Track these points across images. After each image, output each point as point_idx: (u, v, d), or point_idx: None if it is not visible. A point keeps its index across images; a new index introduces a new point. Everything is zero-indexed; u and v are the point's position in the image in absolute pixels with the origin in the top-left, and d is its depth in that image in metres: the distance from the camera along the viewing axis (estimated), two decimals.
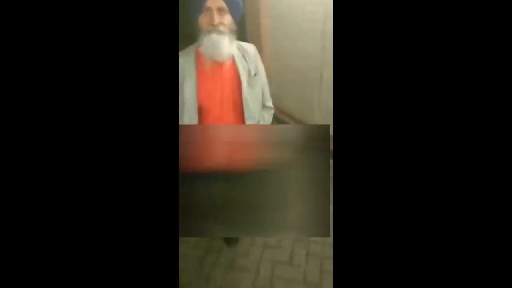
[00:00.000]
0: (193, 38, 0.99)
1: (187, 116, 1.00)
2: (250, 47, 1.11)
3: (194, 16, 0.94)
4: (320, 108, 2.34)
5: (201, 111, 1.03)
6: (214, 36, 0.91)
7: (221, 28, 0.92)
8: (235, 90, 1.04)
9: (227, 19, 0.93)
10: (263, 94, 1.14)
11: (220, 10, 0.91)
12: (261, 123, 1.18)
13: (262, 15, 2.61)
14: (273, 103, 1.22)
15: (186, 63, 1.00)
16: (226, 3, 0.91)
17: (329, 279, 1.26)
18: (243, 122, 1.09)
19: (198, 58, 1.01)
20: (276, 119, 2.44)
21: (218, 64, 1.00)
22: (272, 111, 1.22)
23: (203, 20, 0.93)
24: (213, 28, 0.91)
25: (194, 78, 1.00)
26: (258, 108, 1.12)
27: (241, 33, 1.08)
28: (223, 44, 0.93)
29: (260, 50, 1.18)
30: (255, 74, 1.09)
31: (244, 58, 1.07)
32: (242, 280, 1.31)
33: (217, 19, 0.90)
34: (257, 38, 2.50)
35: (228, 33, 0.95)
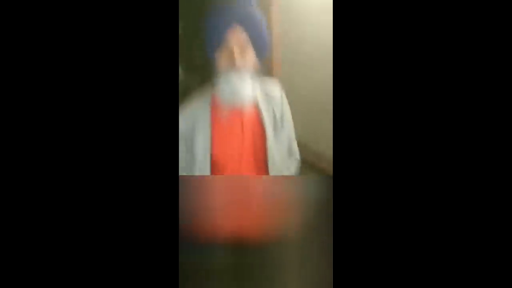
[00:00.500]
0: (207, 74, 0.88)
1: (198, 172, 0.83)
2: (275, 88, 0.93)
3: (210, 53, 0.78)
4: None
5: (215, 166, 0.85)
6: (234, 78, 0.75)
7: (243, 68, 0.76)
8: (257, 140, 0.86)
9: (250, 56, 0.77)
10: (289, 144, 0.96)
11: (242, 46, 0.75)
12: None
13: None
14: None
15: (198, 109, 0.84)
16: (249, 37, 0.75)
17: None
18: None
19: (214, 104, 0.84)
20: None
21: (237, 111, 0.83)
22: (299, 164, 1.03)
23: (221, 59, 0.76)
24: (233, 69, 0.74)
25: (208, 128, 0.83)
26: (284, 160, 0.94)
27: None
28: (245, 88, 0.76)
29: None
30: (282, 121, 0.91)
31: (269, 102, 0.89)
32: None
33: (238, 58, 0.74)
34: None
35: (251, 74, 0.78)
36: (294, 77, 2.50)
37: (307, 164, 1.27)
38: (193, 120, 0.84)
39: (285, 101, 0.93)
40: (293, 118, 0.95)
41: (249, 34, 0.75)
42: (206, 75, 0.87)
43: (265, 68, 0.91)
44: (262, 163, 0.88)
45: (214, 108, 0.84)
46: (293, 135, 0.98)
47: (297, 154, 1.01)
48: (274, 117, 0.88)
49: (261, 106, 0.87)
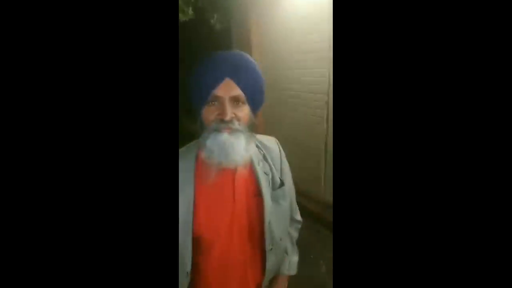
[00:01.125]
0: (192, 131, 0.71)
1: (181, 247, 0.66)
2: (272, 143, 0.79)
3: (196, 105, 0.65)
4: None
5: (199, 244, 0.69)
6: (225, 136, 0.61)
7: (236, 124, 0.63)
8: (252, 210, 0.71)
9: (244, 111, 0.64)
10: (290, 205, 0.81)
11: (234, 100, 0.63)
12: (287, 246, 0.86)
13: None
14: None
15: (181, 171, 0.68)
16: (243, 90, 0.63)
17: None
18: (262, 256, 0.74)
19: (199, 166, 0.69)
20: None
21: (227, 174, 0.69)
22: (299, 226, 0.91)
23: (208, 113, 0.63)
24: (224, 125, 0.62)
25: (191, 195, 0.67)
26: (284, 233, 0.79)
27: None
28: (238, 147, 0.62)
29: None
30: (282, 182, 0.75)
31: (266, 160, 0.75)
32: None
33: (230, 113, 0.61)
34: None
35: (245, 130, 0.65)
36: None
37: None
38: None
39: (284, 158, 0.80)
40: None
41: (242, 87, 0.63)
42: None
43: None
44: (258, 234, 0.72)
45: (198, 172, 0.69)
46: (293, 194, 0.85)
47: (298, 214, 0.89)
48: (273, 177, 0.74)
49: (256, 165, 0.72)
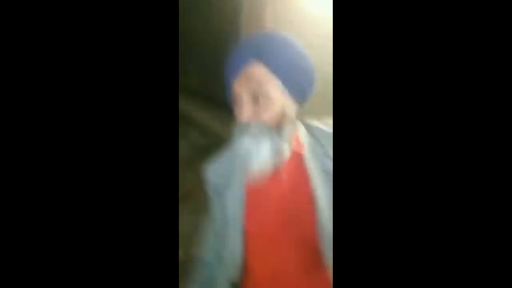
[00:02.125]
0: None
1: (231, 241, 0.62)
2: (324, 132, 0.62)
3: (228, 86, 0.57)
4: None
5: (248, 236, 0.63)
6: (245, 142, 0.53)
7: (254, 128, 0.53)
8: (305, 218, 0.59)
9: (273, 107, 0.53)
10: None
11: (256, 95, 0.52)
12: None
13: None
14: None
15: (225, 165, 0.64)
16: (275, 75, 0.52)
17: None
18: (319, 266, 0.59)
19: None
20: None
21: (261, 178, 0.59)
22: None
23: (235, 108, 0.56)
24: (245, 126, 0.53)
25: (241, 195, 0.61)
26: None
27: None
28: (258, 154, 0.53)
29: None
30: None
31: (324, 153, 0.59)
32: None
33: (247, 114, 0.53)
34: None
35: (271, 133, 0.54)
36: None
37: None
38: (227, 176, 0.63)
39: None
40: None
41: (274, 70, 0.51)
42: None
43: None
44: (313, 247, 0.58)
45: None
46: None
47: None
48: (326, 169, 0.58)
49: (306, 157, 0.59)
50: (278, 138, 0.54)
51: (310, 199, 0.57)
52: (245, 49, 0.53)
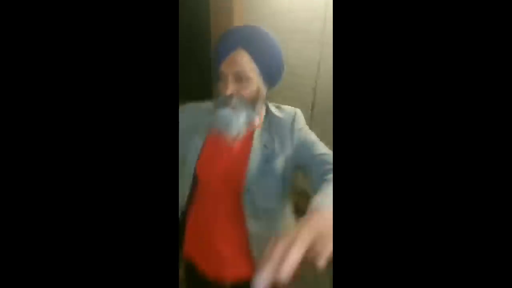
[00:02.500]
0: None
1: (184, 179, 0.78)
2: (287, 115, 0.77)
3: (216, 66, 0.70)
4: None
5: (196, 187, 0.80)
6: (227, 111, 0.68)
7: (235, 101, 0.67)
8: (239, 176, 0.74)
9: (250, 87, 0.67)
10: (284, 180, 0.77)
11: (237, 75, 0.66)
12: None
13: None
14: None
15: (200, 117, 0.78)
16: (256, 62, 0.65)
17: None
18: (244, 221, 0.75)
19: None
20: None
21: (229, 139, 0.74)
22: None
23: (218, 87, 0.69)
24: (226, 100, 0.67)
25: (200, 145, 0.77)
26: (269, 205, 0.78)
27: None
28: (236, 122, 0.68)
29: None
30: (277, 155, 0.73)
31: (270, 134, 0.75)
32: None
33: (230, 89, 0.66)
34: None
35: (247, 107, 0.69)
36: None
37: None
38: (191, 125, 0.77)
39: (298, 130, 0.75)
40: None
41: (254, 57, 0.65)
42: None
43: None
44: (239, 198, 0.73)
45: (212, 129, 0.77)
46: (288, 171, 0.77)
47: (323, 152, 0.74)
48: (273, 150, 0.73)
49: (255, 136, 0.74)
50: (251, 111, 0.70)
51: (245, 164, 0.72)
52: (233, 38, 0.66)
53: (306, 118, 0.81)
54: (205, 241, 0.83)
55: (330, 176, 0.65)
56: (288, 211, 0.86)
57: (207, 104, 0.80)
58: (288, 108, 0.80)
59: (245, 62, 0.65)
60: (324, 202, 0.50)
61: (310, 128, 0.80)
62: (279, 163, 0.73)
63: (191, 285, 0.96)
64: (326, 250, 0.39)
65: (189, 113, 0.80)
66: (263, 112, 0.78)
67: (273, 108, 0.80)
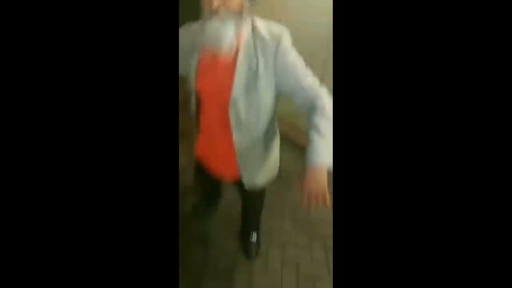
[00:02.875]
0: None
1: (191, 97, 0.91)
2: (274, 34, 0.78)
3: None
4: None
5: (199, 94, 0.90)
6: (215, 24, 0.71)
7: (224, 13, 0.70)
8: (227, 90, 0.81)
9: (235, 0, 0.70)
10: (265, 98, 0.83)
11: None
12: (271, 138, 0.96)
13: None
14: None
15: (194, 35, 0.82)
16: None
17: None
18: (229, 133, 0.88)
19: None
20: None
21: (219, 55, 0.77)
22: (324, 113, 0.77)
23: (204, 0, 0.72)
24: (214, 12, 0.70)
25: (196, 63, 0.85)
26: (254, 120, 0.85)
27: None
28: (225, 35, 0.71)
29: None
30: (265, 71, 0.77)
31: (255, 50, 0.77)
32: None
33: (217, 1, 0.68)
34: None
35: (235, 18, 0.72)
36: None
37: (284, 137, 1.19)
38: (189, 44, 0.83)
39: (283, 51, 0.77)
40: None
41: None
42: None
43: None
44: (226, 112, 0.83)
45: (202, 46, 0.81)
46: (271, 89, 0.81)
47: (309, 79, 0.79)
48: (257, 66, 0.77)
49: (241, 53, 0.77)
50: (239, 22, 0.73)
51: (232, 79, 0.79)
52: None
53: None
54: (208, 145, 1.01)
55: (317, 119, 0.74)
56: (276, 137, 1.00)
57: (199, 23, 0.83)
58: (275, 28, 0.80)
59: None
60: (315, 158, 0.70)
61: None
62: (263, 84, 0.80)
63: (199, 182, 1.28)
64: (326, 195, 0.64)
65: (185, 34, 0.85)
66: (250, 29, 0.79)
67: (260, 25, 0.80)
